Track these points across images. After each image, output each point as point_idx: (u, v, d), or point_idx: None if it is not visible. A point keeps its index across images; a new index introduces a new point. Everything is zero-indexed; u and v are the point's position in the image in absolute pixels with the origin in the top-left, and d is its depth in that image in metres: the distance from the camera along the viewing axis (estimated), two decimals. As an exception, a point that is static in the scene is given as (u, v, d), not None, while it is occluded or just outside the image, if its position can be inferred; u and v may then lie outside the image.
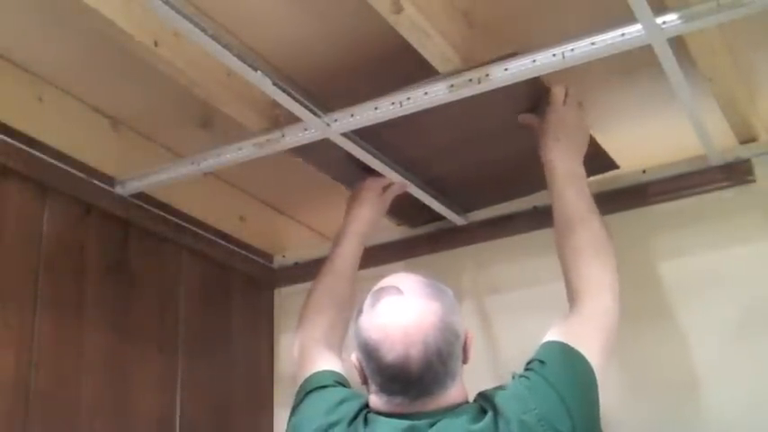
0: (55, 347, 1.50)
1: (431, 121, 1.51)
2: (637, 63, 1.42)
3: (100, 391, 1.58)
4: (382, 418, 1.18)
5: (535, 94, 1.51)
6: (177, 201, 1.82)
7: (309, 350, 1.47)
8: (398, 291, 1.19)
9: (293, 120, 1.49)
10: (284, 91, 1.37)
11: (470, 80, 1.38)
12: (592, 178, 1.83)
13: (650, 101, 1.65)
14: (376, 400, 1.20)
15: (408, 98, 1.43)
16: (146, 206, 1.74)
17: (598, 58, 1.31)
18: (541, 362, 1.20)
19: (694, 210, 1.70)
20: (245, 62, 1.29)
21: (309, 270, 2.03)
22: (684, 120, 1.52)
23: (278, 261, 2.14)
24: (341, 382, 1.35)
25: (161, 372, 1.75)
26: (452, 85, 1.40)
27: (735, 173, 1.67)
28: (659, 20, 1.22)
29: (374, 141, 1.58)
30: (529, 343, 1.76)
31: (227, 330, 1.96)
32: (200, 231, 1.89)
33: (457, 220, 1.90)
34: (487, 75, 1.37)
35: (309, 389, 1.35)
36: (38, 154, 1.53)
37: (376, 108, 1.45)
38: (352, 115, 1.47)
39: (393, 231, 2.00)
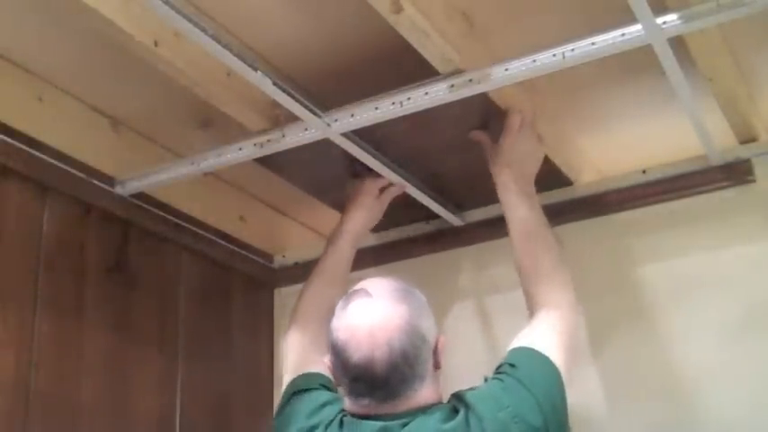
0: (55, 347, 1.50)
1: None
2: (637, 63, 1.42)
3: (100, 391, 1.58)
4: (356, 421, 1.21)
5: (491, 114, 1.55)
6: (177, 201, 1.82)
7: (297, 352, 1.49)
8: (367, 293, 1.22)
9: (293, 120, 1.49)
10: (284, 91, 1.37)
11: (470, 80, 1.38)
12: (591, 179, 1.86)
13: (650, 101, 1.65)
14: (348, 403, 1.23)
15: (408, 98, 1.43)
16: (146, 206, 1.74)
17: (598, 58, 1.31)
18: (512, 365, 1.24)
19: (694, 210, 1.70)
20: (245, 62, 1.29)
21: (309, 270, 2.03)
22: (684, 120, 1.52)
23: (278, 261, 2.14)
24: (326, 385, 1.36)
25: (161, 372, 1.75)
26: (452, 85, 1.40)
27: (735, 173, 1.68)
28: (659, 20, 1.22)
29: (371, 139, 1.58)
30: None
31: (227, 330, 1.96)
32: (200, 231, 1.89)
33: (453, 220, 1.90)
34: (488, 75, 1.37)
35: (294, 390, 1.37)
36: (38, 154, 1.53)
37: (376, 108, 1.46)
38: (352, 115, 1.47)
39: (391, 232, 2.00)
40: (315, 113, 1.45)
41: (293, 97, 1.39)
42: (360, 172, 1.69)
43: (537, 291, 1.38)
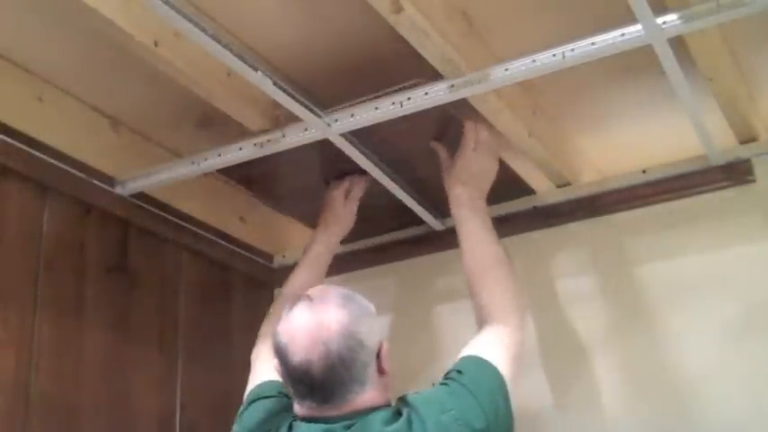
0: (55, 347, 1.50)
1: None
2: (637, 63, 1.42)
3: (100, 391, 1.58)
4: (302, 424, 1.24)
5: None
6: (177, 201, 1.82)
7: (262, 361, 1.51)
8: (309, 299, 1.25)
9: (293, 120, 1.49)
10: (284, 91, 1.37)
11: (470, 80, 1.38)
12: (591, 179, 1.85)
13: (650, 101, 1.65)
14: (296, 407, 1.26)
15: (409, 98, 1.43)
16: (146, 206, 1.74)
17: (598, 58, 1.31)
18: (459, 371, 1.27)
19: (694, 210, 1.70)
20: (245, 62, 1.29)
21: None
22: (684, 120, 1.52)
23: (278, 261, 2.14)
24: (285, 393, 1.38)
25: (161, 372, 1.75)
26: (452, 86, 1.40)
27: (735, 173, 1.67)
28: (659, 20, 1.22)
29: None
30: (529, 342, 1.77)
31: (227, 330, 1.96)
32: (200, 231, 1.89)
33: (435, 224, 1.90)
34: (488, 75, 1.37)
35: (254, 398, 1.40)
36: (38, 154, 1.53)
37: (376, 108, 1.46)
38: (352, 115, 1.47)
39: (389, 233, 2.00)
40: (315, 113, 1.45)
41: (293, 97, 1.39)
42: (329, 180, 1.73)
43: (486, 304, 1.42)
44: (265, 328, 1.60)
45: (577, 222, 1.81)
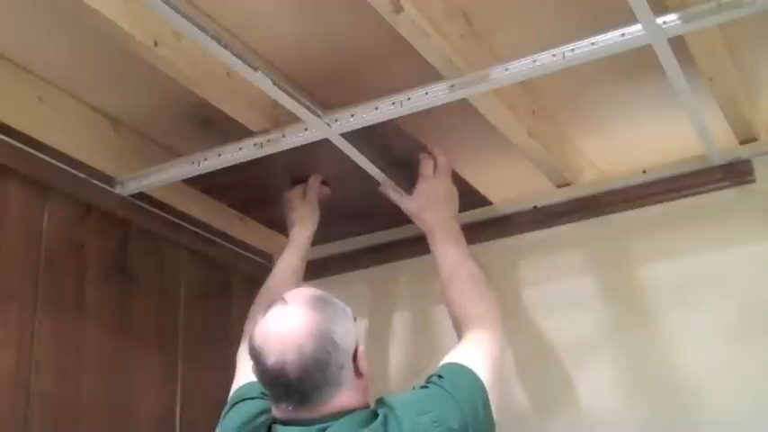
0: (55, 347, 1.50)
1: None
2: (637, 63, 1.42)
3: (100, 391, 1.58)
4: (280, 427, 1.24)
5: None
6: (177, 201, 1.82)
7: (244, 361, 1.50)
8: (284, 302, 1.26)
9: (293, 120, 1.49)
10: (284, 91, 1.37)
11: (470, 80, 1.38)
12: (591, 179, 1.86)
13: (650, 101, 1.65)
14: (274, 409, 1.27)
15: (409, 98, 1.43)
16: (146, 206, 1.74)
17: (598, 58, 1.31)
18: (440, 376, 1.29)
19: (694, 210, 1.70)
20: (245, 62, 1.29)
21: (309, 270, 2.03)
22: (684, 120, 1.52)
23: (278, 261, 2.14)
24: (267, 394, 1.38)
25: (161, 372, 1.75)
26: (453, 86, 1.40)
27: (735, 173, 1.67)
28: (659, 20, 1.22)
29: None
30: (531, 342, 1.78)
31: (227, 330, 1.96)
32: (200, 231, 1.89)
33: None
34: (488, 75, 1.37)
35: (236, 400, 1.41)
36: (38, 154, 1.53)
37: (376, 108, 1.46)
38: (352, 115, 1.47)
39: (390, 233, 2.01)
40: (315, 113, 1.45)
41: (293, 97, 1.39)
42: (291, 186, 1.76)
43: (463, 316, 1.45)
44: (248, 327, 1.60)
45: (577, 222, 1.81)
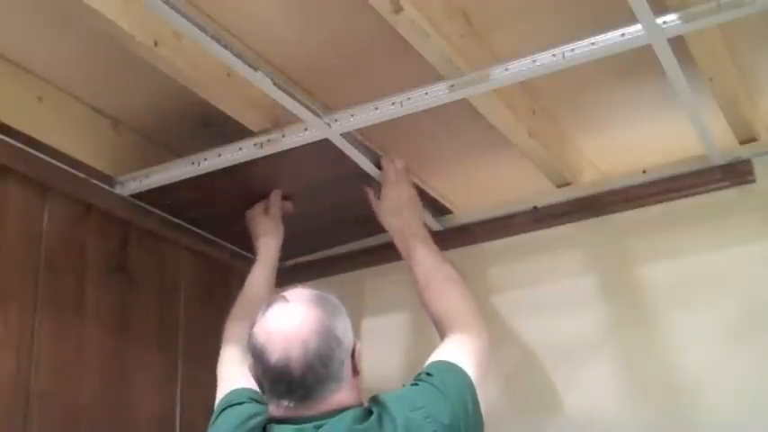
0: (55, 347, 1.50)
1: None
2: (637, 63, 1.42)
3: (100, 391, 1.58)
4: (276, 426, 1.25)
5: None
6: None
7: (229, 369, 1.54)
8: (285, 299, 1.27)
9: (293, 120, 1.49)
10: (284, 91, 1.37)
11: (470, 80, 1.38)
12: (591, 179, 1.85)
13: (650, 101, 1.65)
14: (271, 408, 1.27)
15: (408, 98, 1.43)
16: (146, 206, 1.74)
17: (598, 58, 1.31)
18: (429, 374, 1.31)
19: (695, 210, 1.70)
20: (245, 62, 1.29)
21: (309, 271, 2.04)
22: (684, 120, 1.52)
23: (277, 261, 2.14)
24: (255, 398, 1.40)
25: (161, 372, 1.75)
26: (452, 86, 1.40)
27: (735, 173, 1.67)
28: (659, 20, 1.22)
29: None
30: (530, 342, 1.78)
31: (227, 330, 1.96)
32: (201, 231, 1.89)
33: (433, 224, 1.90)
34: (488, 75, 1.37)
35: (225, 405, 1.41)
36: (38, 154, 1.53)
37: (376, 108, 1.46)
38: (352, 115, 1.47)
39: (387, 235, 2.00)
40: (315, 113, 1.45)
41: (293, 97, 1.39)
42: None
43: (444, 318, 1.46)
44: (228, 333, 1.61)
45: (577, 222, 1.81)
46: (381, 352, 1.88)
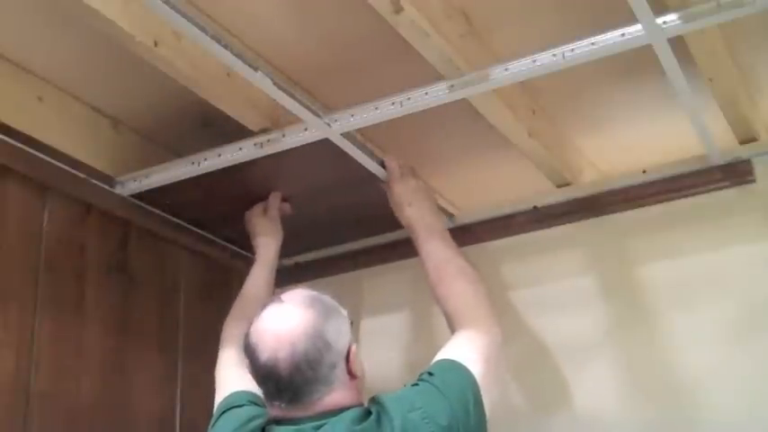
0: (55, 347, 1.50)
1: None
2: (637, 63, 1.42)
3: (100, 391, 1.58)
4: (275, 427, 1.25)
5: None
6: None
7: (227, 372, 1.54)
8: (280, 300, 1.28)
9: (293, 120, 1.49)
10: (284, 91, 1.37)
11: (470, 80, 1.38)
12: (591, 179, 1.85)
13: (650, 101, 1.65)
14: (269, 409, 1.28)
15: (408, 98, 1.43)
16: (146, 206, 1.74)
17: (598, 58, 1.31)
18: (430, 374, 1.30)
19: (695, 210, 1.70)
20: (245, 62, 1.29)
21: (308, 270, 2.04)
22: (684, 120, 1.52)
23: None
24: (254, 401, 1.40)
25: (161, 372, 1.75)
26: (452, 86, 1.40)
27: (735, 173, 1.67)
28: (659, 20, 1.22)
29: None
30: (531, 342, 1.78)
31: (227, 330, 1.96)
32: (201, 231, 1.89)
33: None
34: (488, 75, 1.37)
35: (225, 408, 1.42)
36: (38, 154, 1.53)
37: (376, 108, 1.46)
38: (352, 115, 1.47)
39: (387, 235, 2.01)
40: (315, 113, 1.44)
41: (293, 97, 1.39)
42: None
43: (455, 311, 1.45)
44: (225, 333, 1.62)
45: (577, 222, 1.81)
46: (381, 352, 1.88)
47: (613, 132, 1.78)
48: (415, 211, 1.60)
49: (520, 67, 1.35)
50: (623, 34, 1.26)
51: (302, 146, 1.52)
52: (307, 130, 1.50)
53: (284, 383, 1.21)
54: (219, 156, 1.59)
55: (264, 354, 1.22)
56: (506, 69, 1.36)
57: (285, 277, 1.87)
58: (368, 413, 1.23)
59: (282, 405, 1.24)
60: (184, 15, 1.17)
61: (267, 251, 1.72)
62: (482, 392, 1.28)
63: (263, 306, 1.29)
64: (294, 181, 1.72)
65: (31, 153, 1.52)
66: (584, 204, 1.81)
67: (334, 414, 1.22)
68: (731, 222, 1.66)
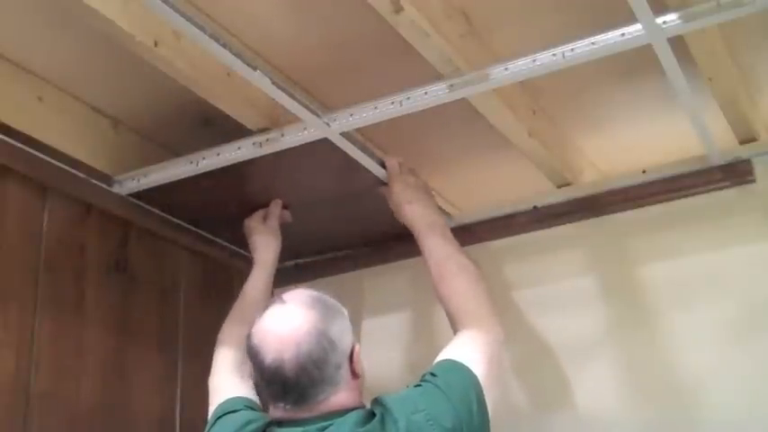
0: (55, 347, 1.50)
1: None
2: (637, 63, 1.42)
3: (100, 391, 1.58)
4: (277, 429, 1.25)
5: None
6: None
7: (221, 379, 1.54)
8: (282, 301, 1.28)
9: (293, 119, 1.49)
10: (283, 90, 1.37)
11: (470, 80, 1.38)
12: (591, 179, 1.85)
13: (650, 101, 1.65)
14: (272, 410, 1.28)
15: (408, 98, 1.43)
16: (146, 206, 1.74)
17: (598, 58, 1.31)
18: (433, 374, 1.29)
19: (695, 210, 1.70)
20: (244, 62, 1.29)
21: (309, 271, 2.04)
22: (684, 120, 1.52)
23: (278, 261, 2.15)
24: (250, 406, 1.41)
25: (161, 372, 1.75)
26: (452, 85, 1.40)
27: (735, 173, 1.67)
28: (659, 20, 1.22)
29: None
30: (531, 342, 1.78)
31: (227, 330, 1.96)
32: (201, 231, 1.89)
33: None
34: (488, 75, 1.37)
35: (221, 414, 1.41)
36: (38, 154, 1.53)
37: (375, 107, 1.45)
38: (351, 115, 1.47)
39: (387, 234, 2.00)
40: (314, 113, 1.44)
41: (293, 97, 1.39)
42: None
43: (457, 310, 1.44)
44: (222, 336, 1.61)
45: (577, 222, 1.81)
46: (381, 352, 1.88)
47: (613, 132, 1.78)
48: (415, 209, 1.59)
49: (520, 67, 1.35)
50: (623, 34, 1.26)
51: (301, 145, 1.52)
52: (306, 130, 1.50)
53: (291, 384, 1.21)
54: (218, 155, 1.59)
55: (269, 355, 1.22)
56: (506, 69, 1.36)
57: (285, 278, 1.87)
58: (372, 415, 1.22)
59: (287, 406, 1.23)
60: (184, 15, 1.17)
61: (265, 260, 1.72)
62: (485, 392, 1.28)
63: (265, 307, 1.29)
64: (293, 181, 1.71)
65: (30, 153, 1.51)
66: (584, 204, 1.81)
67: (340, 415, 1.22)
68: (731, 222, 1.66)
